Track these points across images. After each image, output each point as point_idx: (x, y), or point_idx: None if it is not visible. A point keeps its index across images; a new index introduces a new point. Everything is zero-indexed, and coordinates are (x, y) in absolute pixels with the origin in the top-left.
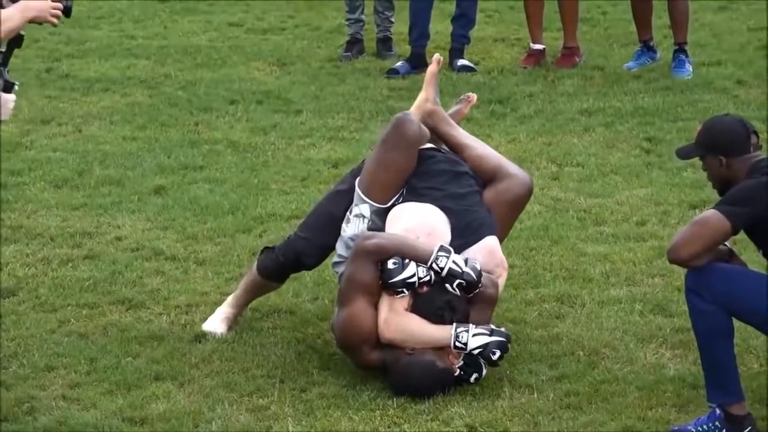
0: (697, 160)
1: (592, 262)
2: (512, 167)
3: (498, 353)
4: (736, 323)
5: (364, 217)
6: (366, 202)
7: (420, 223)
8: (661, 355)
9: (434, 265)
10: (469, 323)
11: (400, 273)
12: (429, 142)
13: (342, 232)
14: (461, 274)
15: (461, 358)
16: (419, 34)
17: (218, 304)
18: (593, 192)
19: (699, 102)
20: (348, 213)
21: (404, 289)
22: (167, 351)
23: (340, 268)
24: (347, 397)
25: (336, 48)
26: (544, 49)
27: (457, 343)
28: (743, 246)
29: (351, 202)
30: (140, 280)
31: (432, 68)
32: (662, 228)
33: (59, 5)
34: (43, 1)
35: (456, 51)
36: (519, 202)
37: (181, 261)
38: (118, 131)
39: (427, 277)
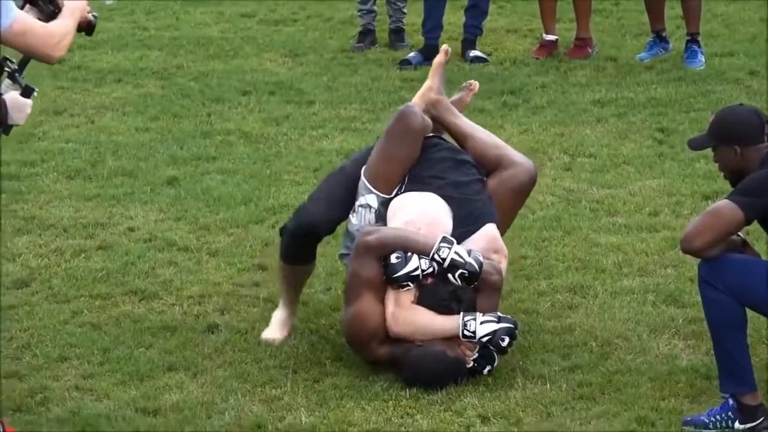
0: (709, 151)
1: (605, 252)
2: (516, 155)
3: (507, 340)
4: (750, 313)
5: (371, 207)
6: (373, 192)
7: (421, 214)
8: (674, 346)
9: (436, 256)
10: (476, 312)
11: (404, 267)
12: (432, 131)
13: (348, 224)
14: (463, 265)
15: (475, 350)
16: (433, 25)
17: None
18: (606, 183)
19: (711, 93)
20: (356, 205)
21: (409, 283)
22: (180, 342)
23: (347, 260)
24: (360, 388)
25: (348, 39)
26: (556, 40)
27: (466, 332)
28: (756, 236)
29: (356, 185)
30: (153, 271)
31: (439, 58)
32: (675, 219)
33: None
34: (82, 2)
35: (468, 42)
36: (523, 189)
37: (194, 252)
38: (130, 122)
39: (431, 269)
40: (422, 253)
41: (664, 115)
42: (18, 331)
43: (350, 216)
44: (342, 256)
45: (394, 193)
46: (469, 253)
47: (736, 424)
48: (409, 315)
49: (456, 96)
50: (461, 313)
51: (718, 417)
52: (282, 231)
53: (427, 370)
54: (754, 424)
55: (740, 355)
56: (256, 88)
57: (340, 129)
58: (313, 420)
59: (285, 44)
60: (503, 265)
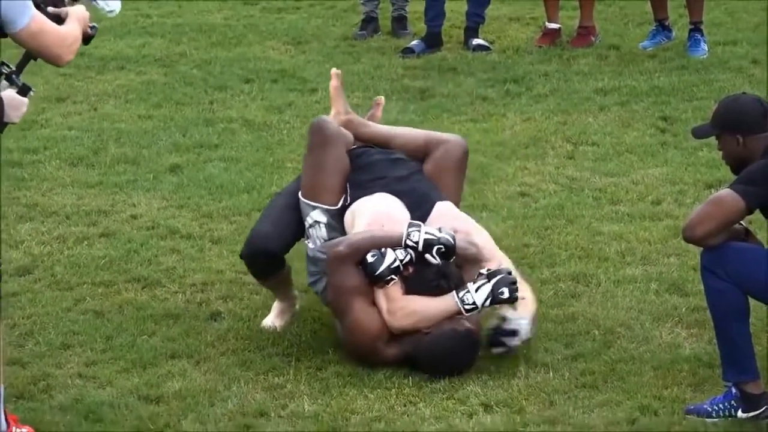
0: (712, 139)
1: (608, 241)
2: (443, 135)
3: (506, 290)
4: (752, 302)
5: (319, 223)
6: (316, 207)
7: (378, 214)
8: (677, 335)
9: (409, 242)
10: (466, 285)
11: (382, 262)
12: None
13: (307, 250)
14: (438, 240)
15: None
16: (435, 13)
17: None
18: (609, 171)
19: (714, 81)
20: (306, 229)
21: (392, 276)
22: (183, 329)
23: (319, 286)
24: (363, 376)
25: (351, 26)
26: (559, 28)
27: (466, 307)
28: (758, 226)
29: (299, 206)
30: (156, 259)
31: (333, 83)
32: (678, 207)
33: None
34: (85, 11)
35: (471, 30)
36: (460, 163)
37: (197, 239)
38: (133, 110)
39: (408, 257)
40: (394, 244)
41: (667, 104)
42: (21, 319)
43: (306, 242)
44: (312, 284)
45: (339, 203)
46: (439, 230)
47: (739, 413)
48: (404, 306)
49: (367, 114)
50: (453, 292)
51: (720, 406)
52: (241, 257)
53: (444, 352)
54: (757, 412)
55: (743, 343)
56: (258, 76)
57: None
58: (315, 408)
59: (288, 32)
60: (476, 235)
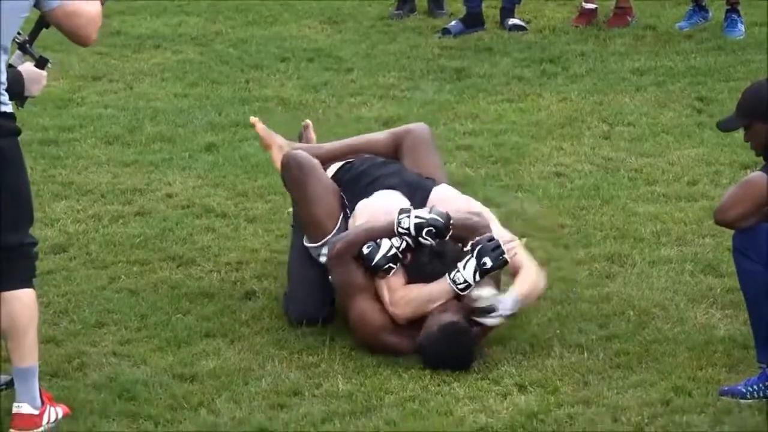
0: None
1: (643, 221)
2: (403, 127)
3: (488, 260)
4: None
5: None
6: (324, 245)
7: (374, 210)
8: (712, 316)
9: (400, 229)
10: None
11: (378, 251)
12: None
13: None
14: (426, 222)
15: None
16: None
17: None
18: (644, 152)
19: (751, 62)
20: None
21: (391, 265)
22: (217, 308)
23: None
24: (397, 356)
25: (387, 6)
26: (596, 8)
27: (459, 286)
28: None
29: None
30: (191, 237)
31: (258, 130)
32: (713, 188)
33: None
34: None
35: (507, 10)
36: (428, 143)
37: (232, 218)
38: (169, 88)
39: (404, 243)
40: (389, 234)
41: (703, 84)
42: (55, 297)
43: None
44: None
45: (339, 222)
46: (429, 210)
47: None
48: (403, 294)
49: (303, 140)
50: (447, 274)
51: (755, 387)
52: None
53: (431, 352)
54: None
55: None
56: (294, 55)
57: (379, 96)
58: (350, 387)
59: (324, 11)
60: (481, 208)
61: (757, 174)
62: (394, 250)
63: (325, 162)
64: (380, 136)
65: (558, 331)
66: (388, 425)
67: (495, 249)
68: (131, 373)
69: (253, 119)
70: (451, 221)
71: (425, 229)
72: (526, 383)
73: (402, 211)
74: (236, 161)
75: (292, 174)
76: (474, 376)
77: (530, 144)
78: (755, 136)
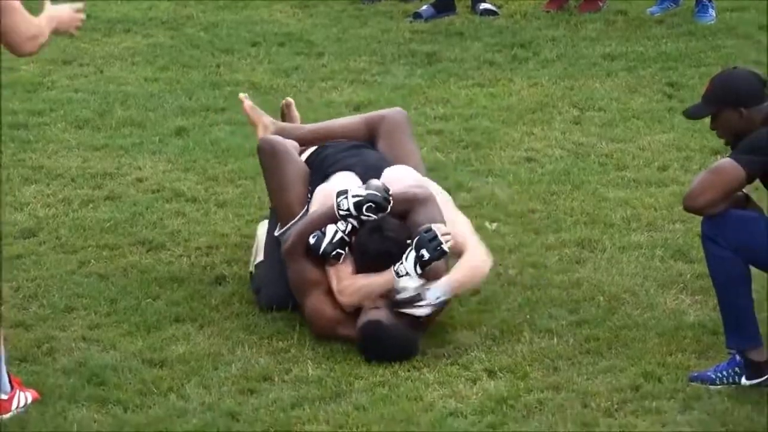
0: None
1: (613, 207)
2: (379, 112)
3: (425, 252)
4: (754, 269)
5: None
6: (284, 232)
7: (324, 194)
8: (681, 301)
9: (340, 211)
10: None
11: (323, 239)
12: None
13: None
14: (365, 198)
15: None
16: None
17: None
18: (615, 137)
19: (722, 47)
20: None
21: (339, 251)
22: (187, 293)
23: None
24: None
25: None
26: None
27: (401, 277)
28: (758, 196)
29: None
30: (161, 222)
31: (245, 107)
32: (684, 173)
33: (82, 16)
34: (69, 14)
35: None
36: (404, 127)
37: (202, 203)
38: (139, 72)
39: (349, 225)
40: (332, 218)
41: (674, 70)
42: (25, 281)
43: None
44: None
45: (305, 208)
46: (366, 187)
47: (743, 380)
48: (350, 284)
49: (287, 119)
50: (392, 267)
51: (724, 373)
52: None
53: (364, 348)
54: (760, 379)
55: (745, 310)
56: (265, 39)
57: (350, 81)
58: (319, 372)
59: None
60: (429, 188)
61: (726, 160)
62: (340, 234)
63: (305, 144)
64: (355, 121)
65: (528, 317)
66: (357, 410)
67: (432, 240)
68: (101, 358)
69: (242, 95)
70: (390, 193)
71: (365, 206)
72: (496, 368)
73: (339, 193)
74: (207, 146)
75: (265, 160)
76: (444, 361)
77: (501, 129)
78: (724, 123)
